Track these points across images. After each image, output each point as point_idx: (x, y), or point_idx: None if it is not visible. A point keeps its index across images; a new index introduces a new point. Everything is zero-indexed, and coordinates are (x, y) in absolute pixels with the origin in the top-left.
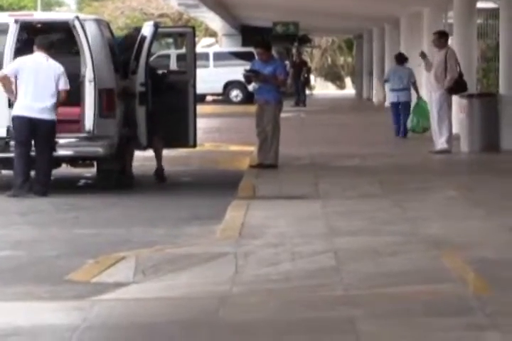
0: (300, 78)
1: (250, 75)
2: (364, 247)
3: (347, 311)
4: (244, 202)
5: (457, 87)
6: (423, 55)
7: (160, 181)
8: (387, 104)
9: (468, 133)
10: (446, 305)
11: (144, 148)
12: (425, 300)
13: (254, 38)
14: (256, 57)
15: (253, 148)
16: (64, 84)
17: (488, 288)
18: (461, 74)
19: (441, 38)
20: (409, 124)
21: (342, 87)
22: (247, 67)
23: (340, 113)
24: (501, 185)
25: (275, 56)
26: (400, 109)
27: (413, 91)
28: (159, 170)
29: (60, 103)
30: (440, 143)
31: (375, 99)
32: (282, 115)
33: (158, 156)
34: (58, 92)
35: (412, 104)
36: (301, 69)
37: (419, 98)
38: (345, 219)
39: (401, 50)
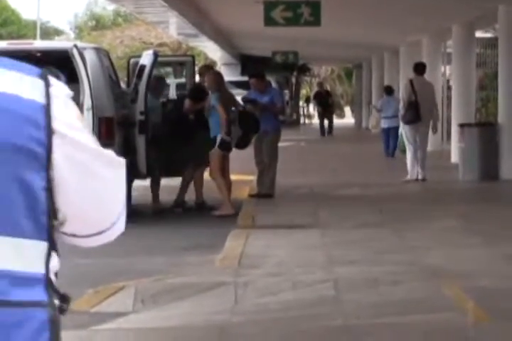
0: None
1: (248, 104)
2: (364, 277)
3: None
4: (243, 231)
5: (406, 115)
6: None
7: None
8: None
9: (467, 163)
10: (446, 335)
11: (144, 177)
12: (425, 330)
13: (253, 67)
14: (251, 87)
15: (252, 177)
16: None
17: (487, 318)
18: (410, 103)
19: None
20: (398, 146)
21: (341, 116)
22: (245, 96)
23: (339, 142)
24: (500, 214)
25: (273, 85)
26: (390, 134)
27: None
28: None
29: None
30: (410, 174)
31: (373, 130)
32: (282, 144)
33: (197, 187)
34: None
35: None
36: (327, 99)
37: None
38: (345, 248)
39: (400, 79)
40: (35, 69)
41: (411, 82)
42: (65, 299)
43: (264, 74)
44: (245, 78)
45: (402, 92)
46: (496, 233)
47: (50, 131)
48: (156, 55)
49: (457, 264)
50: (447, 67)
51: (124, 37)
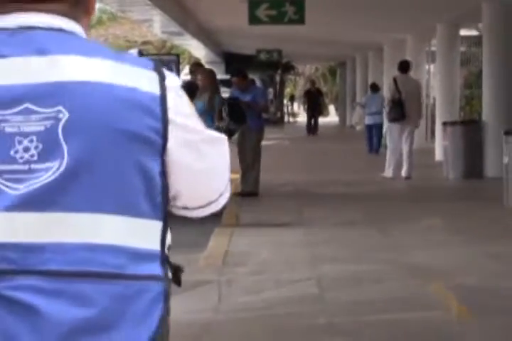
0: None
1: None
2: (347, 275)
3: (331, 339)
4: (227, 229)
5: (391, 113)
6: None
7: None
8: None
9: (452, 160)
10: (430, 333)
11: None
12: (409, 328)
13: (237, 66)
14: (233, 86)
15: (237, 175)
16: None
17: (471, 315)
18: (394, 101)
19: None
20: (383, 141)
21: (325, 114)
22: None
23: (323, 140)
24: (484, 212)
25: (257, 83)
26: (374, 130)
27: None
28: None
29: None
30: (387, 171)
31: (357, 127)
32: (267, 142)
33: None
34: None
35: (385, 126)
36: (318, 98)
37: None
38: (329, 246)
39: (384, 78)
40: (149, 62)
41: (395, 80)
42: (178, 271)
43: (246, 72)
44: (229, 76)
45: (386, 90)
46: (480, 231)
47: (166, 122)
48: (140, 53)
49: (441, 262)
50: (432, 66)
51: (108, 35)
